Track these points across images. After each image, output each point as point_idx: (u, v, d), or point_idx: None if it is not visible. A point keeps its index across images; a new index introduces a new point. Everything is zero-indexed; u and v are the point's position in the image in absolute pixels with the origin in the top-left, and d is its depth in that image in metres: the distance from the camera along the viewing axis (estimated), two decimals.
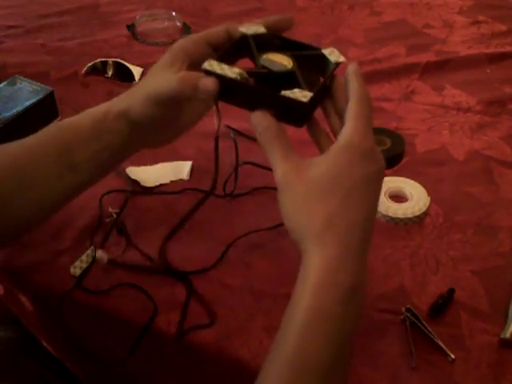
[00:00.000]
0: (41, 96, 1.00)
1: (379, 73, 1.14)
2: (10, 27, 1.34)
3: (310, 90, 0.57)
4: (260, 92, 0.59)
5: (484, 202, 0.85)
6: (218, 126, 0.61)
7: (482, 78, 1.12)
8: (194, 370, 0.72)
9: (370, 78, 1.12)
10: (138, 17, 1.33)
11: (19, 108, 0.97)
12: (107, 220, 0.83)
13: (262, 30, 0.65)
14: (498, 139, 0.97)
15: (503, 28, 1.27)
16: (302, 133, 0.60)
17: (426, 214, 0.83)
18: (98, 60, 1.16)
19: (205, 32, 0.66)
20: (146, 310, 0.72)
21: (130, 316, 0.73)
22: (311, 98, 0.56)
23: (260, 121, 0.57)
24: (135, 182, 0.89)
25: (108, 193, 0.86)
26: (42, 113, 1.01)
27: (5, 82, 1.04)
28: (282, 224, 0.82)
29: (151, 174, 0.91)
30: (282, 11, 1.39)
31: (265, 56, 0.62)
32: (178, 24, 1.32)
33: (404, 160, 0.90)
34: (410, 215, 0.81)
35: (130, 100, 0.65)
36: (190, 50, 0.64)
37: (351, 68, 0.59)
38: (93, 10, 1.42)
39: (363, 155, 0.55)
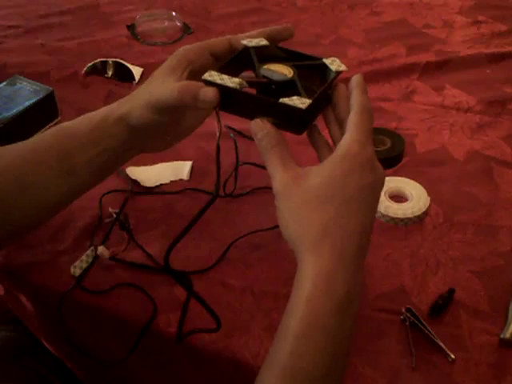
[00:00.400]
0: (41, 96, 1.00)
1: (379, 73, 1.14)
2: (10, 27, 1.35)
3: (309, 98, 0.57)
4: (259, 100, 0.60)
5: (484, 202, 0.85)
6: (219, 136, 0.61)
7: (482, 78, 1.12)
8: (194, 369, 0.72)
9: (370, 78, 1.12)
10: (138, 17, 1.33)
11: (19, 108, 0.97)
12: (107, 220, 0.83)
13: (263, 42, 0.66)
14: (497, 139, 0.97)
15: (503, 28, 1.27)
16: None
17: (425, 213, 0.83)
18: (98, 60, 1.17)
19: (208, 41, 0.67)
20: (146, 310, 0.72)
21: (130, 316, 0.73)
22: (309, 105, 0.57)
23: (259, 128, 0.58)
24: (135, 182, 0.89)
25: (108, 193, 0.86)
26: (42, 113, 1.02)
27: (5, 82, 1.04)
28: None
29: (151, 174, 0.91)
30: (282, 11, 1.39)
31: (265, 66, 0.62)
32: (178, 24, 1.32)
33: (404, 160, 0.90)
34: (409, 215, 0.81)
35: (130, 105, 0.65)
36: (192, 58, 0.65)
37: (355, 79, 0.60)
38: (93, 10, 1.42)
39: (362, 165, 0.55)
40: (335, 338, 0.52)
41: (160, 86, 0.63)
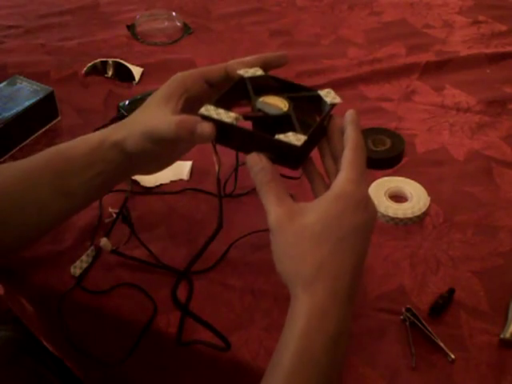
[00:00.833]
0: (41, 96, 1.00)
1: (379, 73, 1.14)
2: (10, 27, 1.34)
3: (304, 133, 0.58)
4: (255, 136, 0.61)
5: (484, 202, 0.85)
6: (219, 170, 0.62)
7: (482, 78, 1.12)
8: (194, 369, 0.72)
9: (370, 78, 1.12)
10: (138, 17, 1.33)
11: (19, 108, 0.97)
12: (107, 220, 0.83)
13: (259, 72, 0.66)
14: (497, 139, 0.97)
15: (503, 28, 1.27)
16: None
17: (425, 214, 0.83)
18: (98, 60, 1.16)
19: (204, 68, 0.68)
20: (146, 310, 0.72)
21: (130, 316, 0.73)
22: (305, 142, 0.57)
23: (255, 163, 0.58)
24: (135, 182, 0.89)
25: (108, 193, 0.86)
26: (41, 113, 1.02)
27: (5, 82, 1.04)
28: None
29: None
30: (282, 11, 1.39)
31: (261, 99, 0.63)
32: (178, 24, 1.32)
33: (404, 160, 0.91)
34: (409, 215, 0.81)
35: (126, 132, 0.65)
36: (188, 86, 0.65)
37: (349, 116, 0.60)
38: (93, 10, 1.42)
39: (356, 205, 0.56)
40: (327, 374, 0.54)
41: (156, 115, 0.64)
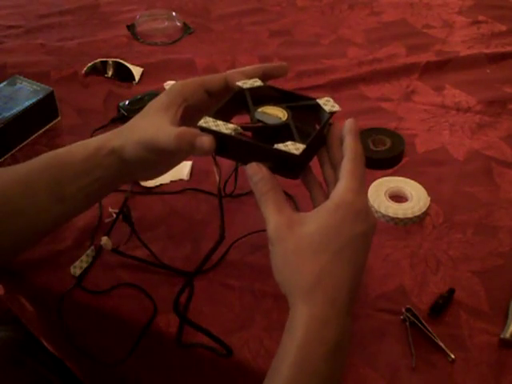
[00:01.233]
0: (41, 96, 1.01)
1: (379, 73, 1.14)
2: (10, 27, 1.35)
3: (303, 142, 0.58)
4: (254, 146, 0.60)
5: (484, 201, 0.85)
6: (219, 182, 0.62)
7: (482, 78, 1.12)
8: (194, 369, 0.72)
9: (370, 77, 1.12)
10: (138, 17, 1.33)
11: (19, 108, 0.97)
12: (107, 220, 0.83)
13: (258, 83, 0.66)
14: (498, 139, 0.97)
15: (503, 28, 1.27)
16: None
17: (426, 213, 0.83)
18: (98, 60, 1.17)
19: (203, 78, 0.68)
20: (146, 310, 0.72)
21: (130, 316, 0.73)
22: (303, 151, 0.57)
23: (254, 172, 0.58)
24: (135, 182, 0.89)
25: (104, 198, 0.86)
26: (41, 113, 1.02)
27: (5, 82, 1.04)
28: None
29: None
30: (282, 11, 1.39)
31: (260, 110, 0.63)
32: (178, 24, 1.32)
33: (404, 160, 0.90)
34: (409, 215, 0.81)
35: (123, 139, 0.65)
36: (187, 95, 0.65)
37: (348, 125, 0.60)
38: (93, 10, 1.42)
39: (356, 214, 0.55)
40: (326, 382, 0.54)
41: (155, 123, 0.63)
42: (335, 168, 0.59)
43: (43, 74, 1.14)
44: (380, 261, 0.77)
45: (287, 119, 0.62)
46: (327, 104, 0.63)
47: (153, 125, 0.63)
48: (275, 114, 0.62)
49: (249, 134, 0.62)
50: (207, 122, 0.61)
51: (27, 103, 0.99)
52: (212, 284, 0.75)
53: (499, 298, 0.72)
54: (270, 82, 0.68)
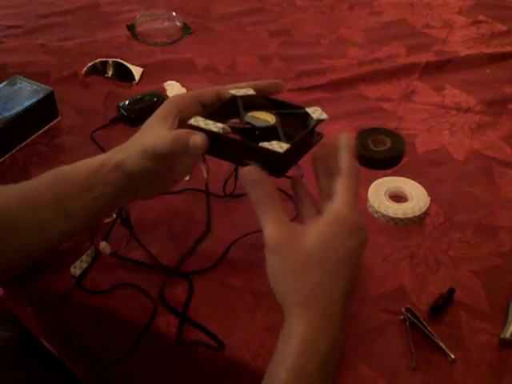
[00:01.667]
0: (41, 96, 1.01)
1: (379, 73, 1.14)
2: (10, 27, 1.35)
3: (288, 143, 0.60)
4: (240, 144, 0.63)
5: (484, 201, 0.85)
6: (207, 177, 0.65)
7: (482, 78, 1.12)
8: (194, 369, 0.72)
9: (370, 77, 1.12)
10: (138, 17, 1.33)
11: (19, 108, 0.97)
12: (107, 220, 0.83)
13: (250, 92, 0.69)
14: (498, 139, 0.97)
15: (503, 28, 1.27)
16: None
17: (426, 213, 0.83)
18: (98, 60, 1.16)
19: (197, 91, 0.71)
20: (146, 310, 0.72)
21: (130, 316, 0.73)
22: (287, 149, 0.59)
23: (252, 176, 0.59)
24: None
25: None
26: (41, 113, 1.02)
27: (5, 82, 1.04)
28: None
29: None
30: (282, 11, 1.39)
31: (250, 114, 0.66)
32: (178, 24, 1.32)
33: (404, 160, 0.90)
34: (410, 215, 0.81)
35: (126, 153, 0.67)
36: (183, 107, 0.68)
37: (345, 140, 0.61)
38: (93, 10, 1.42)
39: (350, 229, 0.58)
40: None
41: (154, 134, 0.66)
42: (329, 177, 0.60)
43: (43, 74, 1.14)
44: (380, 261, 0.77)
45: (275, 123, 0.64)
46: (315, 112, 0.66)
47: (153, 135, 0.66)
48: (264, 118, 0.65)
49: (237, 136, 0.64)
50: (197, 120, 0.63)
51: (27, 103, 0.98)
52: (212, 284, 0.75)
53: (499, 298, 0.72)
54: None
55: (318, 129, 0.66)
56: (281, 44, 1.26)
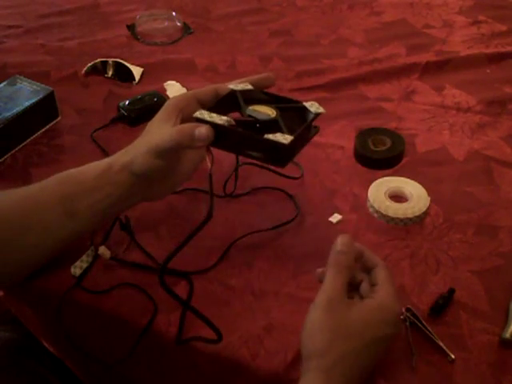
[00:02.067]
0: (41, 96, 1.00)
1: (379, 73, 1.14)
2: (10, 27, 1.34)
3: (291, 135, 0.64)
4: (246, 136, 0.66)
5: (484, 201, 0.85)
6: (211, 167, 0.66)
7: (482, 78, 1.12)
8: (194, 369, 0.72)
9: (370, 78, 1.12)
10: (138, 17, 1.33)
11: (19, 108, 0.97)
12: None
13: (248, 86, 0.72)
14: (498, 139, 0.97)
15: (503, 28, 1.27)
16: None
17: (426, 213, 0.83)
18: (98, 60, 1.16)
19: (195, 91, 0.73)
20: (146, 310, 0.72)
21: (130, 316, 0.73)
22: (291, 141, 0.63)
23: (345, 245, 0.63)
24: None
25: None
26: (41, 113, 1.02)
27: (5, 82, 1.04)
28: (281, 224, 0.82)
29: None
30: (282, 11, 1.39)
31: (251, 107, 0.68)
32: (178, 24, 1.32)
33: (404, 160, 0.90)
34: (410, 215, 0.81)
35: (132, 153, 0.69)
36: (183, 107, 0.70)
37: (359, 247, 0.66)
38: (93, 10, 1.42)
39: (391, 317, 0.62)
40: None
41: (158, 132, 0.68)
42: (367, 271, 0.65)
43: (43, 74, 1.14)
44: None
45: (276, 116, 0.67)
46: (312, 106, 0.70)
47: (157, 134, 0.68)
48: (265, 111, 0.68)
49: (239, 127, 0.66)
50: (202, 113, 0.66)
51: (27, 103, 0.98)
52: (212, 284, 0.75)
53: (499, 298, 0.72)
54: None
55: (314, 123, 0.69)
56: (281, 44, 1.26)
